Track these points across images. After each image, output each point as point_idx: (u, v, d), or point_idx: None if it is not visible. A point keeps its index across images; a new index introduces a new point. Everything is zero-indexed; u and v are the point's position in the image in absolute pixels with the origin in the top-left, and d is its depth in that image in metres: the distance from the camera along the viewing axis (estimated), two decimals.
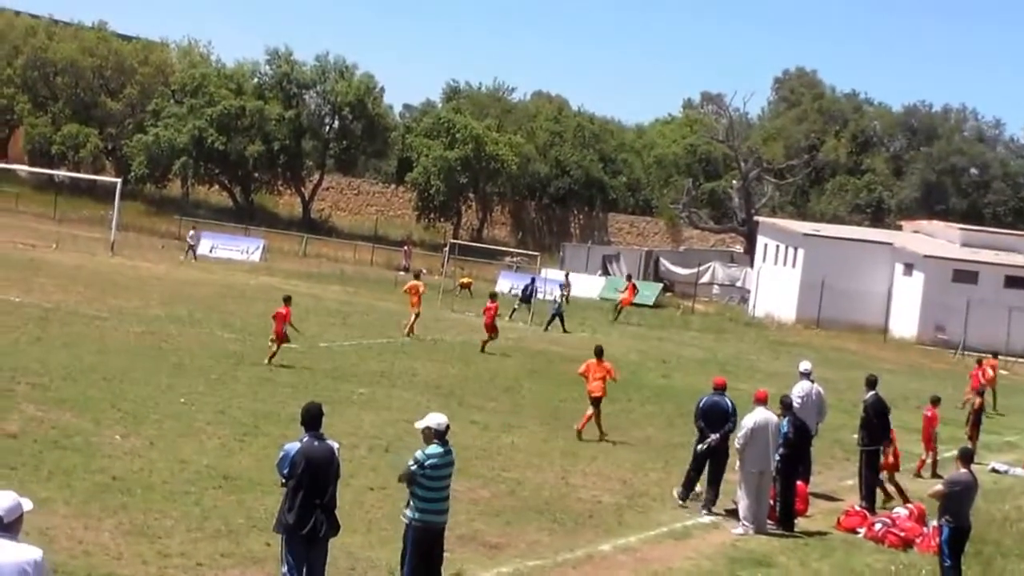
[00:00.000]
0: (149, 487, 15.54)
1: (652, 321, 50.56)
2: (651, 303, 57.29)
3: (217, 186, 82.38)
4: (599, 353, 23.78)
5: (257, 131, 77.20)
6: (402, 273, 58.87)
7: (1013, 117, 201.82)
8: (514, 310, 44.94)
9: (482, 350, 33.05)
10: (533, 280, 48.41)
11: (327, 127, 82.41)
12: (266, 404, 21.98)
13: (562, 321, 42.24)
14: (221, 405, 21.43)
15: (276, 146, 78.29)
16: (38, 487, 14.31)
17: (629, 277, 59.61)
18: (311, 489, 10.87)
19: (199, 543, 13.45)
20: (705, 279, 67.43)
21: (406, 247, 67.39)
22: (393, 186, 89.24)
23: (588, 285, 61.70)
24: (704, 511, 18.44)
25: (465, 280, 52.86)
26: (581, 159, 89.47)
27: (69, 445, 17.26)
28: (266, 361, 26.51)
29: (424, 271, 45.12)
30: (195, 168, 77.57)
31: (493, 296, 35.14)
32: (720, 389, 18.92)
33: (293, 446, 11.10)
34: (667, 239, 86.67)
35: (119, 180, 60.60)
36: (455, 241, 62.96)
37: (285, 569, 11.04)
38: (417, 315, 35.36)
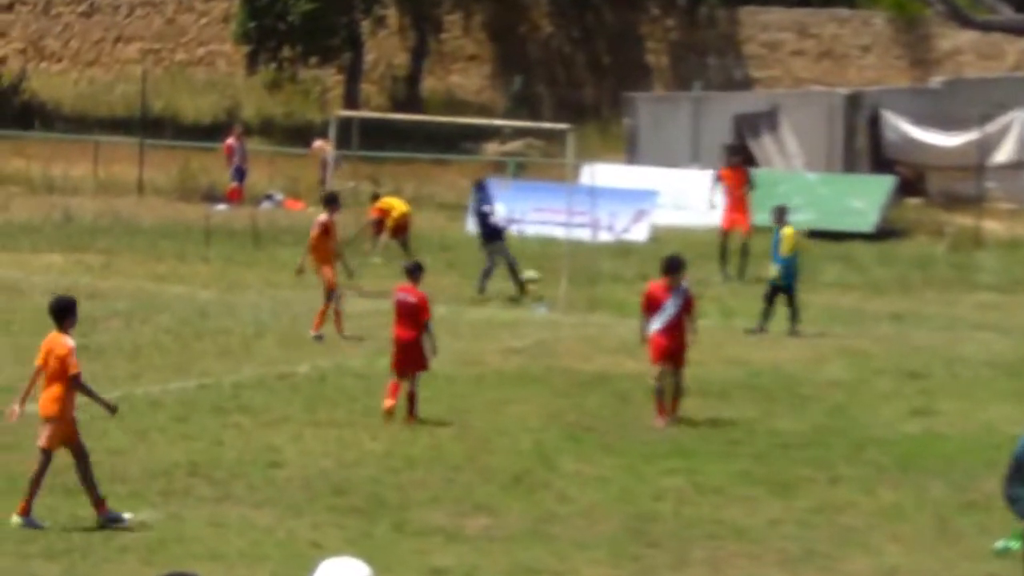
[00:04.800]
0: None
1: (876, 273, 34.69)
2: (870, 227, 39.54)
3: None
4: None
5: None
6: (220, 207, 42.59)
7: None
8: (484, 279, 31.77)
9: None
10: (482, 186, 33.25)
11: None
12: None
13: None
14: None
15: None
16: None
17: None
18: None
19: None
20: (1004, 157, 44.11)
21: (232, 137, 44.32)
22: None
23: (698, 196, 40.85)
24: None
25: (382, 206, 34.49)
26: None
27: None
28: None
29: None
30: None
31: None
32: None
33: None
34: (896, 60, 53.33)
35: None
36: (351, 113, 41.71)
37: None
38: (330, 291, 26.75)
